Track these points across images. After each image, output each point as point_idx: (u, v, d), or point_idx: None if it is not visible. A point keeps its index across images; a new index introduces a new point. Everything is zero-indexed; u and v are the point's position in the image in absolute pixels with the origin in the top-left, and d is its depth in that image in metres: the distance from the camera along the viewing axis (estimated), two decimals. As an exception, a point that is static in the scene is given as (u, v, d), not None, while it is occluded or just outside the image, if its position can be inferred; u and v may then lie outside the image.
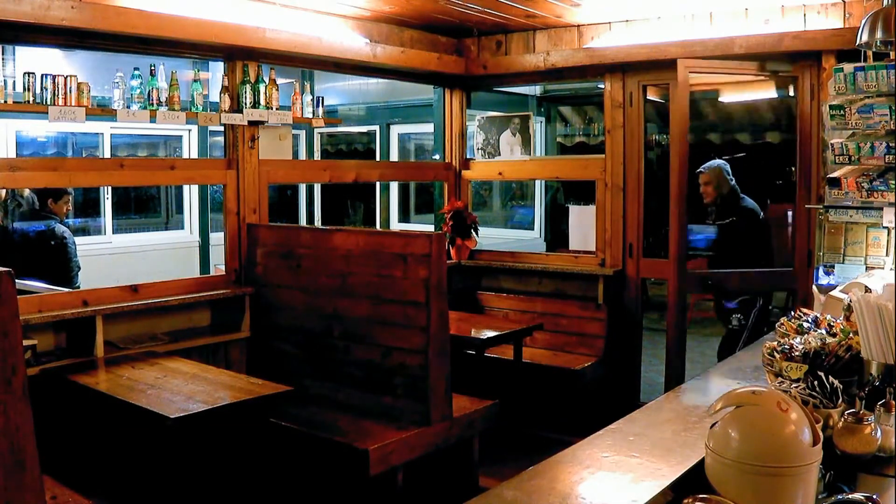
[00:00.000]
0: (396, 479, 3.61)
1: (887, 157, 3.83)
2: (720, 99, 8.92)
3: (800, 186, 4.72)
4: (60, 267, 5.51)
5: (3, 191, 5.53)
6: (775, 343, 2.35)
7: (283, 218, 10.59)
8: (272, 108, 4.54)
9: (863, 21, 3.56)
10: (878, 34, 3.47)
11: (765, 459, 1.49)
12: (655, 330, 7.09)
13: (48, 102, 3.73)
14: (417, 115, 9.03)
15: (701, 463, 1.62)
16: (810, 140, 4.60)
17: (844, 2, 4.39)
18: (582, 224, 5.71)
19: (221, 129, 4.58)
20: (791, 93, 4.93)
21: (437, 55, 5.53)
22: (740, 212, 5.53)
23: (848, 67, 3.92)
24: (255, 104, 4.48)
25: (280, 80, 4.69)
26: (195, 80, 4.37)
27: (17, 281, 1.95)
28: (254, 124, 4.54)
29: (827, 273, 4.16)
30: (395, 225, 9.97)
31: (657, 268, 5.38)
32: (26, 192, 5.70)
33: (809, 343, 2.27)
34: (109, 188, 8.29)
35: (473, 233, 5.91)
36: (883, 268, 4.10)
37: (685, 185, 4.81)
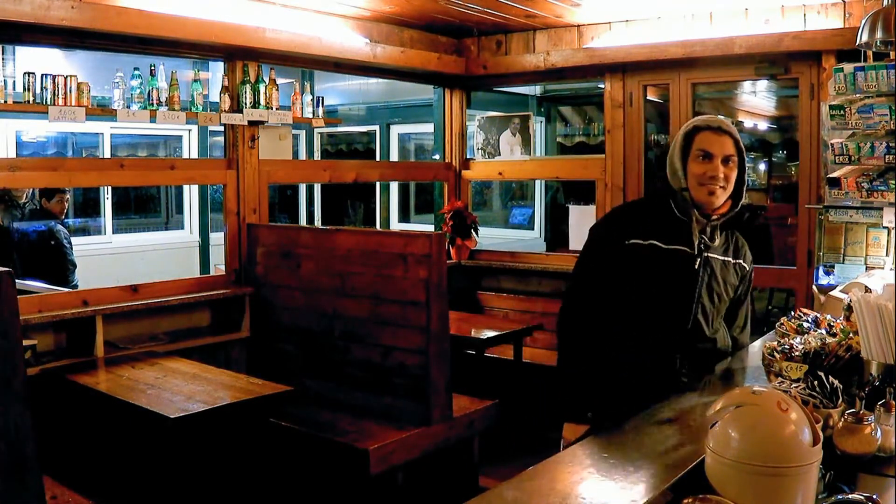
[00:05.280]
0: (396, 479, 3.61)
1: (887, 157, 3.83)
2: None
3: (800, 186, 4.72)
4: (58, 266, 5.54)
5: (26, 192, 5.59)
6: (775, 343, 2.34)
7: (284, 216, 10.61)
8: (272, 108, 4.54)
9: (863, 21, 3.56)
10: (878, 34, 3.47)
11: (765, 459, 1.49)
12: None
13: (48, 102, 3.73)
14: (417, 115, 9.02)
15: (701, 463, 1.62)
16: (810, 140, 4.60)
17: (844, 2, 4.39)
18: (582, 224, 5.70)
19: (221, 129, 4.58)
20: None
21: (437, 55, 5.53)
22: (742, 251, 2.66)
23: (848, 67, 3.92)
24: (255, 104, 4.48)
25: (280, 80, 4.69)
26: (195, 80, 4.37)
27: (17, 281, 1.95)
28: (254, 124, 4.54)
29: (827, 273, 4.16)
30: (395, 225, 9.97)
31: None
32: (36, 193, 5.74)
33: (809, 343, 2.27)
34: (109, 188, 8.29)
35: (473, 233, 5.90)
36: (883, 268, 4.10)
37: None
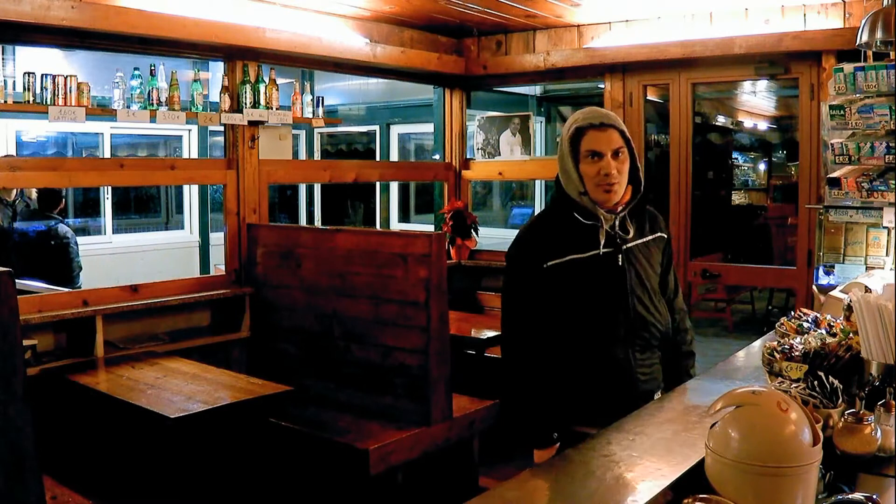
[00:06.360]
0: (396, 479, 3.61)
1: (887, 157, 3.83)
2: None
3: (800, 186, 4.72)
4: (62, 267, 5.53)
5: (14, 191, 5.59)
6: (775, 343, 2.34)
7: (284, 216, 10.61)
8: (272, 108, 4.54)
9: (863, 21, 3.56)
10: (878, 34, 3.47)
11: (765, 459, 1.49)
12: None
13: (48, 102, 3.73)
14: (417, 115, 9.04)
15: (701, 463, 1.62)
16: (810, 140, 4.60)
17: (844, 2, 4.39)
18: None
19: (221, 129, 4.58)
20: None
21: (437, 55, 5.53)
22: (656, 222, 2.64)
23: (848, 67, 3.92)
24: (255, 104, 4.48)
25: (280, 80, 4.68)
26: (195, 80, 4.37)
27: (17, 281, 1.95)
28: (254, 124, 4.54)
29: (827, 273, 4.16)
30: (395, 225, 9.98)
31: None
32: (34, 193, 5.74)
33: (809, 343, 2.27)
34: (109, 188, 8.30)
35: (473, 233, 5.90)
36: (883, 268, 4.10)
37: (687, 184, 4.81)
